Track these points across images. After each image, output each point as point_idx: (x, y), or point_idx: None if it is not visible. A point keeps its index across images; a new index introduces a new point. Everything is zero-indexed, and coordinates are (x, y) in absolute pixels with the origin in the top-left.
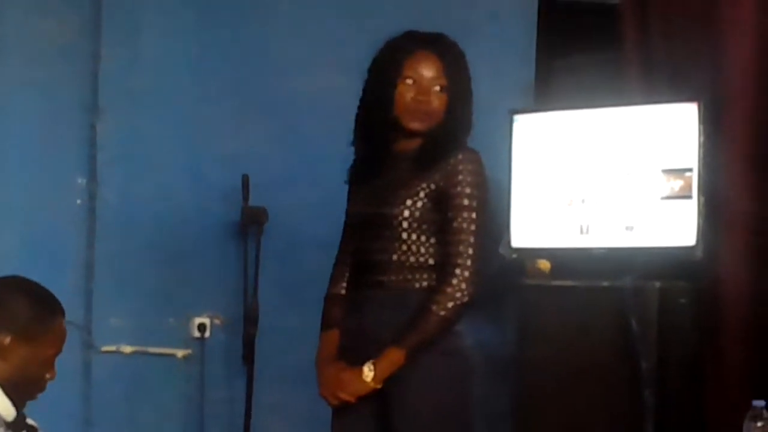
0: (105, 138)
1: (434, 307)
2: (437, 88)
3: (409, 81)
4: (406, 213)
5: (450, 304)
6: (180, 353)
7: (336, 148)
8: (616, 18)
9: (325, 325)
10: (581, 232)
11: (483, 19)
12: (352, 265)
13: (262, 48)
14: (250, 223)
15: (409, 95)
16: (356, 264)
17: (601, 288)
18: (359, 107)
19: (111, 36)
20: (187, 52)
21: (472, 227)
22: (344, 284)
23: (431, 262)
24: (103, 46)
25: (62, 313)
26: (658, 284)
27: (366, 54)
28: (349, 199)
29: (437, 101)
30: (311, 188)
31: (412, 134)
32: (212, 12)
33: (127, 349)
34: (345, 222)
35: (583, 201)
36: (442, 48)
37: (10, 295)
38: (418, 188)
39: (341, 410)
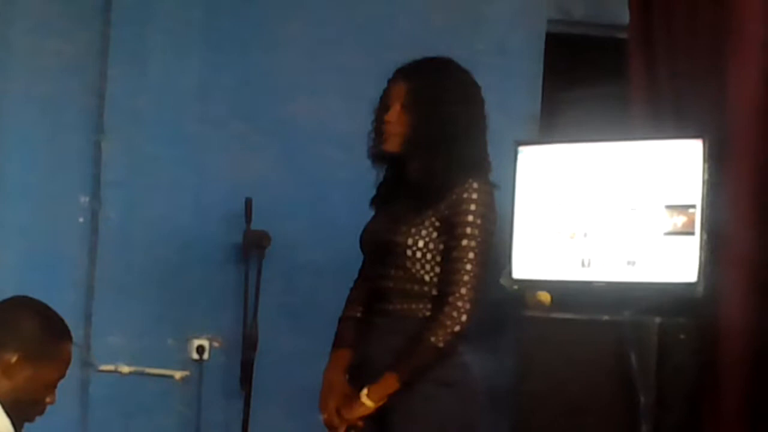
0: (109, 157)
1: (426, 335)
2: (398, 107)
3: (381, 105)
4: (410, 242)
5: (442, 333)
6: (178, 375)
7: (341, 174)
8: (622, 52)
9: (338, 343)
10: (583, 265)
11: (490, 51)
12: (367, 290)
13: (268, 72)
14: (252, 247)
15: (379, 119)
16: (371, 289)
17: (601, 322)
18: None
19: (118, 56)
20: (194, 75)
21: (471, 255)
22: (360, 308)
23: (434, 292)
24: (109, 65)
25: (70, 337)
26: (658, 320)
27: (371, 81)
28: (365, 226)
29: (400, 120)
30: (314, 213)
31: (406, 159)
32: (220, 36)
33: (125, 368)
34: (360, 248)
35: (585, 234)
36: (410, 70)
37: (21, 315)
38: (424, 217)
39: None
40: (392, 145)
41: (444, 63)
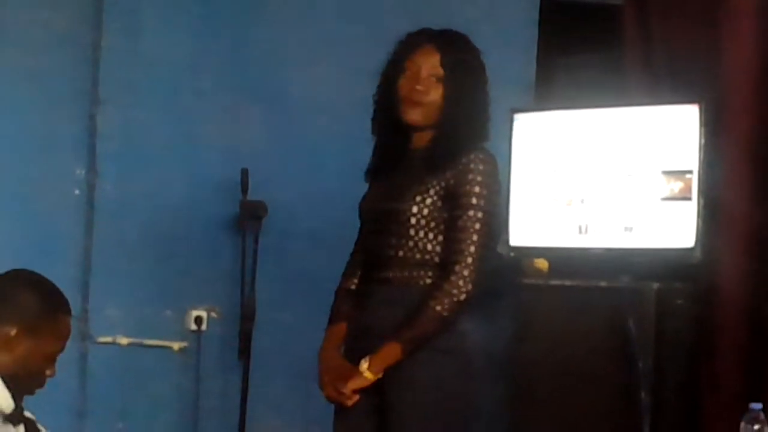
0: (104, 129)
1: (431, 303)
2: (433, 78)
3: (408, 74)
4: (415, 209)
5: (447, 301)
6: (176, 345)
7: (335, 144)
8: (617, 18)
9: (333, 318)
10: (580, 231)
11: (484, 18)
12: (364, 260)
13: (263, 42)
14: (249, 217)
15: (406, 87)
16: (366, 259)
17: (599, 288)
18: (373, 105)
19: (111, 26)
20: (188, 45)
21: (477, 226)
22: (355, 279)
23: (437, 260)
24: (103, 36)
25: (69, 310)
26: (656, 285)
27: (365, 51)
28: (364, 195)
29: (433, 92)
30: (310, 183)
31: (416, 128)
32: (214, 5)
33: (124, 340)
34: (359, 218)
35: (582, 201)
36: (443, 41)
37: (20, 288)
38: (429, 186)
39: (342, 407)
40: (418, 116)
41: (465, 37)
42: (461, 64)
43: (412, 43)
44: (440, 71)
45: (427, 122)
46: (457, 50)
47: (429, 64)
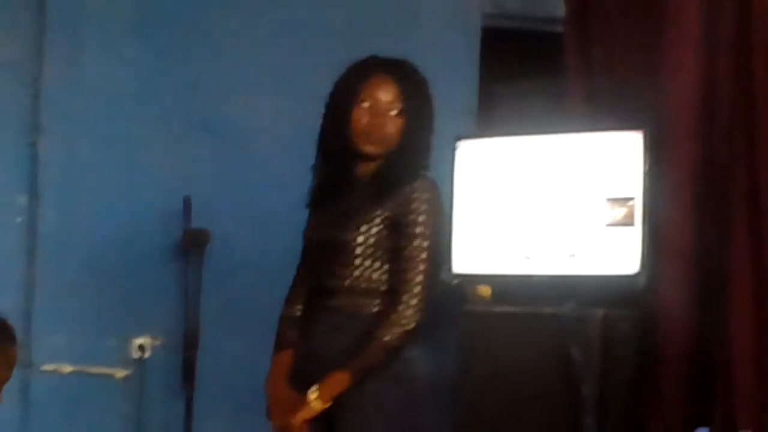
0: (46, 156)
1: (379, 334)
2: (393, 112)
3: (366, 104)
4: (360, 239)
5: (396, 331)
6: (119, 374)
7: (279, 172)
8: (559, 46)
9: (278, 346)
10: (524, 258)
11: (426, 46)
12: (308, 287)
13: (206, 70)
14: (192, 245)
15: (364, 119)
16: (311, 287)
17: (543, 315)
18: (320, 130)
19: (53, 54)
20: (131, 73)
21: (423, 255)
22: (299, 306)
23: (383, 288)
24: (45, 64)
25: (15, 340)
26: (600, 312)
27: (309, 80)
28: (307, 223)
29: (392, 125)
30: (254, 211)
31: (368, 158)
32: (156, 33)
33: (67, 368)
34: (303, 244)
35: (525, 228)
36: (401, 73)
37: None
38: (374, 215)
39: None
40: (376, 147)
41: (417, 67)
42: (419, 97)
43: (366, 71)
44: (400, 105)
45: (382, 153)
46: (414, 83)
47: (389, 96)
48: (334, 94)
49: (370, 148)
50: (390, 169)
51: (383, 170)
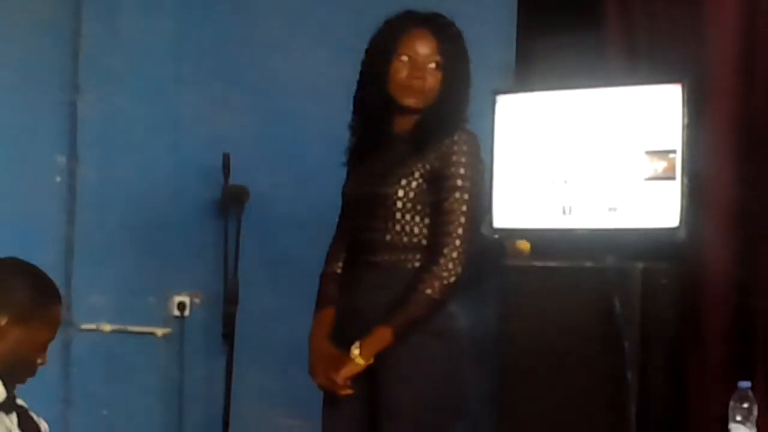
0: (85, 116)
1: (421, 287)
2: (432, 65)
3: (404, 58)
4: (401, 193)
5: (437, 284)
6: (159, 332)
7: (318, 128)
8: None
9: (320, 303)
10: (564, 212)
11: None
12: (348, 244)
13: (244, 28)
14: (231, 202)
15: (403, 72)
16: (351, 243)
17: (584, 269)
18: (357, 86)
19: (91, 13)
20: (168, 31)
21: (463, 208)
22: (340, 263)
23: (424, 242)
24: (83, 23)
25: (59, 299)
26: (640, 265)
27: (347, 35)
28: (346, 179)
29: (432, 78)
30: (292, 168)
31: (408, 112)
32: None
33: (107, 327)
34: (342, 200)
35: (565, 182)
36: (438, 26)
37: (9, 277)
38: (414, 168)
39: (332, 394)
40: (417, 101)
41: (454, 22)
42: (457, 50)
43: (403, 25)
44: (438, 58)
45: (422, 107)
46: (452, 36)
47: (427, 50)
48: (371, 50)
49: (410, 101)
50: (430, 123)
51: (423, 124)
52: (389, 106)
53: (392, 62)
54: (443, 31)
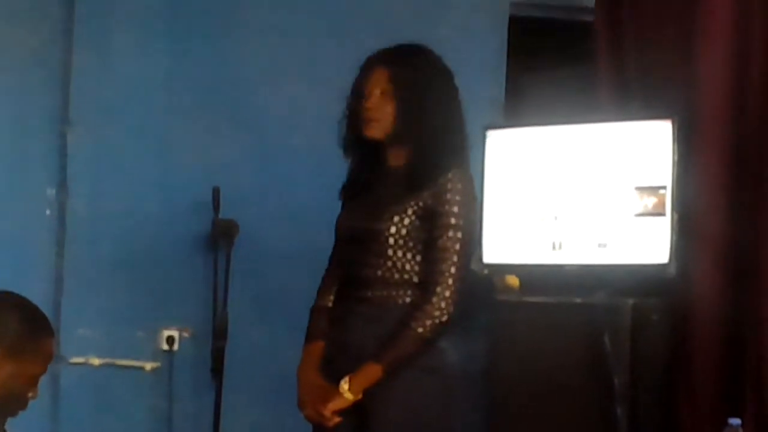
0: (75, 148)
1: (413, 324)
2: (382, 93)
3: (366, 95)
4: (393, 230)
5: (428, 323)
6: (148, 366)
7: (308, 162)
8: (588, 35)
9: (309, 336)
10: (553, 248)
11: (453, 35)
12: (340, 278)
13: (234, 61)
14: (221, 236)
15: (362, 107)
16: (343, 278)
17: (574, 305)
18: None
19: (82, 45)
20: (159, 64)
21: (457, 246)
22: (331, 297)
23: (416, 279)
24: (74, 55)
25: (52, 332)
26: (630, 301)
27: (338, 69)
28: (340, 214)
29: (384, 106)
30: (282, 201)
31: (388, 145)
32: (185, 24)
33: (96, 361)
34: (335, 234)
35: (555, 217)
36: (393, 56)
37: (3, 310)
38: (407, 205)
39: (321, 428)
40: (375, 132)
41: (422, 50)
42: (408, 76)
43: (367, 64)
44: (386, 86)
45: (390, 138)
46: (405, 63)
47: (376, 80)
48: (349, 96)
49: (368, 133)
50: (420, 158)
51: (413, 159)
52: (366, 141)
53: (360, 102)
54: (398, 60)
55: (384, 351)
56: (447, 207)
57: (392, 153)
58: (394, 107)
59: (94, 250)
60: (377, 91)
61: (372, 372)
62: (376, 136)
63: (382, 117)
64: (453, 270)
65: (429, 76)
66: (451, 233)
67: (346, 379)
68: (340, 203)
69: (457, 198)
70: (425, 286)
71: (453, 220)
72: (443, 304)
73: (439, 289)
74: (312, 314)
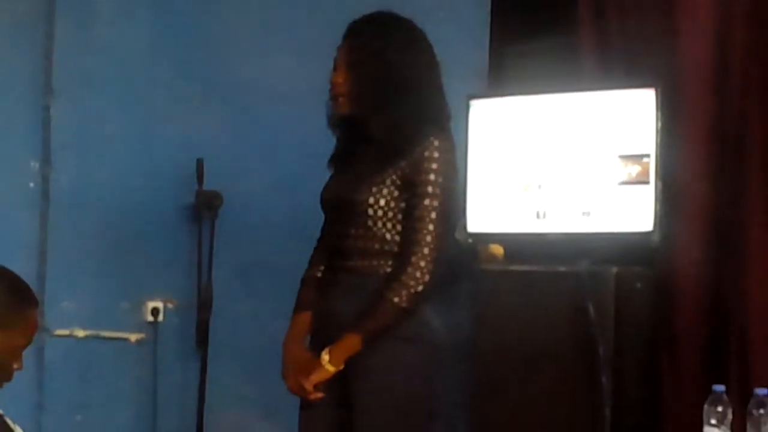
0: (58, 121)
1: (388, 295)
2: (344, 67)
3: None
4: (372, 200)
5: (404, 293)
6: (133, 337)
7: (291, 133)
8: (572, 4)
9: (298, 306)
10: (538, 217)
11: (436, 5)
12: (329, 249)
13: (217, 32)
14: (205, 207)
15: None
16: (329, 248)
17: (558, 273)
18: None
19: (65, 16)
20: (142, 35)
21: (433, 215)
22: (321, 267)
23: (395, 249)
24: (56, 26)
25: (36, 303)
26: (614, 269)
27: (319, 38)
28: (325, 185)
29: (342, 80)
30: (266, 172)
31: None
32: None
33: (80, 332)
34: (321, 207)
35: (539, 186)
36: (353, 28)
37: None
38: (385, 176)
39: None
40: (342, 107)
41: (384, 16)
42: (366, 45)
43: (342, 42)
44: (346, 57)
45: (356, 111)
46: (363, 33)
47: (341, 55)
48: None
49: (337, 108)
50: (396, 128)
51: (387, 129)
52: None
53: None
54: (357, 30)
55: (362, 321)
56: (424, 176)
57: (371, 124)
58: (353, 79)
59: (78, 222)
60: (343, 66)
61: (351, 342)
62: (345, 112)
63: (344, 91)
64: (429, 239)
65: (389, 40)
66: (427, 202)
67: (327, 350)
68: (323, 174)
69: (434, 166)
70: (402, 257)
71: (430, 189)
72: (418, 274)
73: (414, 259)
74: (301, 284)
